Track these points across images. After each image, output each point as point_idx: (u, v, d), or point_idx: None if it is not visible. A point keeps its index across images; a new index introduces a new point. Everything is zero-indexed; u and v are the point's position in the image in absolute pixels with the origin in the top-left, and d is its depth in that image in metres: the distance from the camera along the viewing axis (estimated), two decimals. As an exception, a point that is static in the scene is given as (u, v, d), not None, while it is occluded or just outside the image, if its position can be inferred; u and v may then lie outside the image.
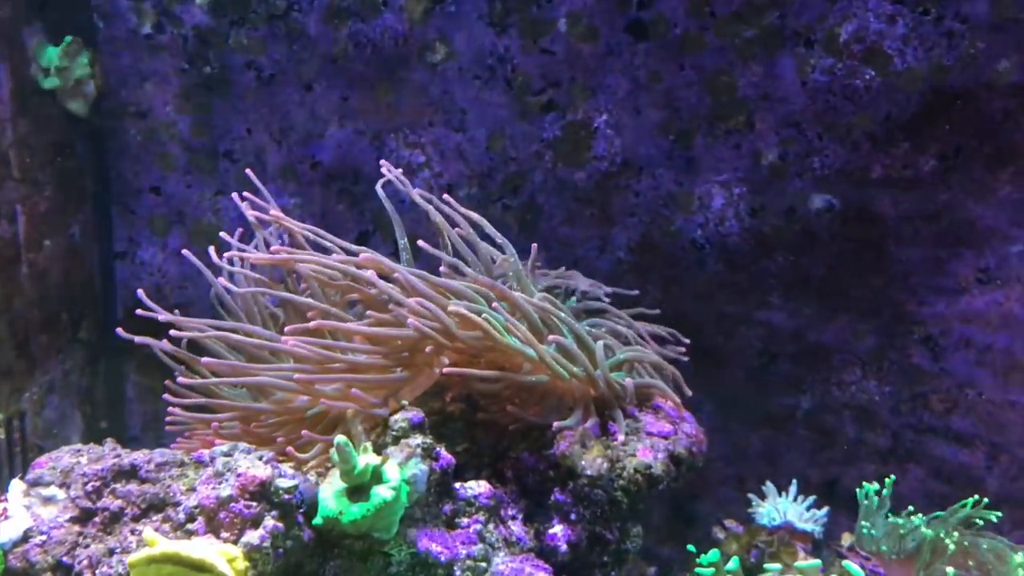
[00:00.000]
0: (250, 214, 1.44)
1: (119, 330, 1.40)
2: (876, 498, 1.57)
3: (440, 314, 1.24)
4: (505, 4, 1.90)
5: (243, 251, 1.44)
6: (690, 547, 1.44)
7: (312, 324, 1.27)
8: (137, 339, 1.38)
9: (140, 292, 1.43)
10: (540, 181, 1.95)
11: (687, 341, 1.62)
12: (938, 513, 1.55)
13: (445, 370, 1.24)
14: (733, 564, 1.39)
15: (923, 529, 1.42)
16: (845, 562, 1.19)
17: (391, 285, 1.29)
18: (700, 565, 1.36)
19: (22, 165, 1.79)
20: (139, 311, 1.41)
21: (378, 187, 1.51)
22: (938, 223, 1.82)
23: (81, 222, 1.97)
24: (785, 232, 1.88)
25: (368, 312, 1.33)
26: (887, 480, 1.60)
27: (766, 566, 1.30)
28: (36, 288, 1.83)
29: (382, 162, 1.52)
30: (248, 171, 1.52)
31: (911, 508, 1.59)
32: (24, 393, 1.80)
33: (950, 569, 1.27)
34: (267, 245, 1.49)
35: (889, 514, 1.60)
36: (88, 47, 1.91)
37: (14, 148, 1.77)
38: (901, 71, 1.78)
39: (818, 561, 1.28)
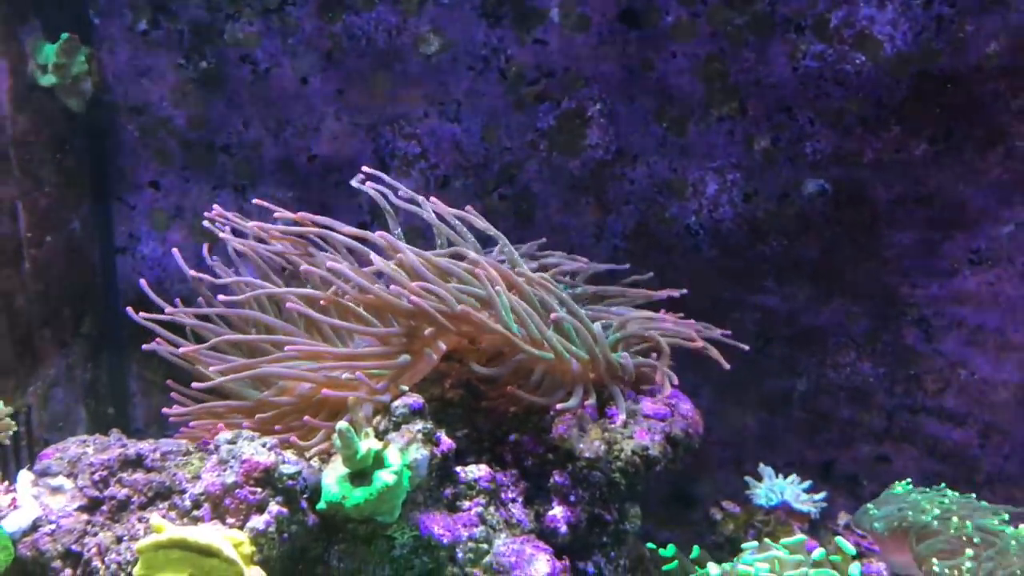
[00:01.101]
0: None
1: (129, 309, 1.42)
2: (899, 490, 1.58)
3: (445, 295, 1.26)
4: (498, -5, 1.91)
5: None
6: (649, 544, 1.47)
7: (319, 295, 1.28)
8: (144, 347, 1.40)
9: (143, 282, 1.45)
10: (535, 170, 1.97)
11: (684, 291, 1.63)
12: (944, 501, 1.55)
13: (460, 308, 1.24)
14: (694, 552, 1.42)
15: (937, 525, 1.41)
16: (837, 538, 1.21)
17: (396, 268, 1.31)
18: (664, 559, 1.38)
19: (22, 162, 1.81)
20: (142, 314, 1.42)
21: (358, 185, 1.53)
22: (930, 206, 1.84)
23: (81, 217, 1.99)
24: (779, 217, 1.90)
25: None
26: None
27: (743, 545, 1.33)
28: (38, 284, 1.85)
29: (364, 170, 1.54)
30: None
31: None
32: (29, 388, 1.82)
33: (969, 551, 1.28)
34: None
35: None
36: (85, 44, 1.92)
37: (13, 145, 1.79)
38: (891, 55, 1.80)
39: (803, 537, 1.31)
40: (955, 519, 1.36)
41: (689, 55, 1.88)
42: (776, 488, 1.73)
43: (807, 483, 1.75)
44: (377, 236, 1.37)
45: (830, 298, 1.91)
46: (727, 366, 1.51)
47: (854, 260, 1.89)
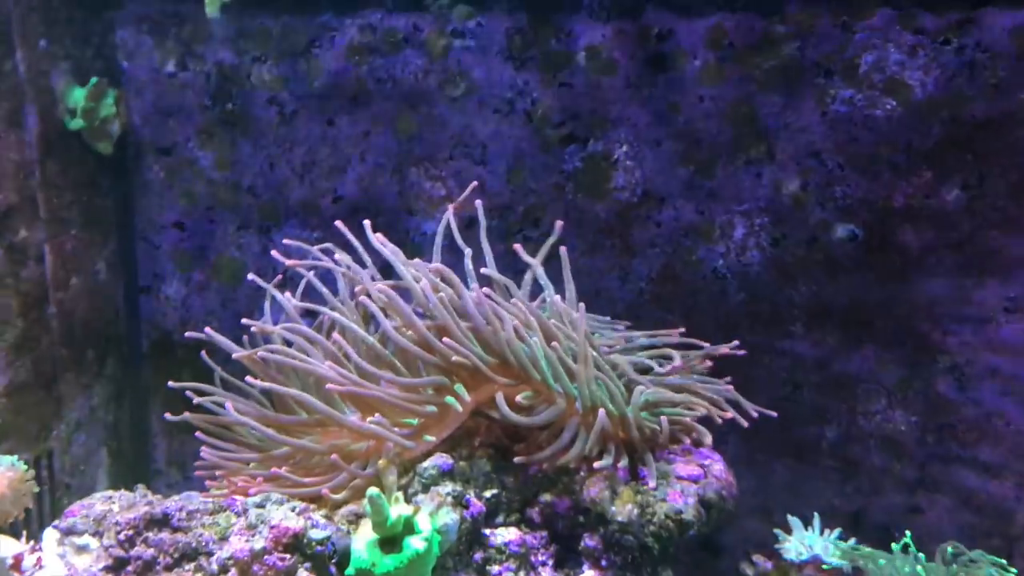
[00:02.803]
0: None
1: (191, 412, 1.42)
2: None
3: (473, 353, 1.24)
4: (524, 38, 1.90)
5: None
6: None
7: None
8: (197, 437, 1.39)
9: (208, 330, 1.42)
10: (561, 213, 1.96)
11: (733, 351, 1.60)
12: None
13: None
14: None
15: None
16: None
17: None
18: None
19: (49, 206, 1.81)
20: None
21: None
22: (962, 252, 1.81)
23: (106, 259, 1.99)
24: (808, 262, 1.87)
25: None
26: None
27: None
28: (63, 327, 1.85)
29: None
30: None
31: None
32: (52, 432, 1.81)
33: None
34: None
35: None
36: (113, 86, 1.93)
37: (42, 189, 1.79)
38: (922, 100, 1.78)
39: None
40: None
41: (717, 99, 1.86)
42: (806, 541, 1.70)
43: (836, 532, 1.71)
44: (422, 285, 1.36)
45: (860, 344, 1.88)
46: (748, 421, 1.50)
47: (885, 306, 1.86)
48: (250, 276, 1.53)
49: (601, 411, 1.23)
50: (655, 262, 1.94)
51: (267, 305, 1.54)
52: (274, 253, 1.54)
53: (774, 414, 1.55)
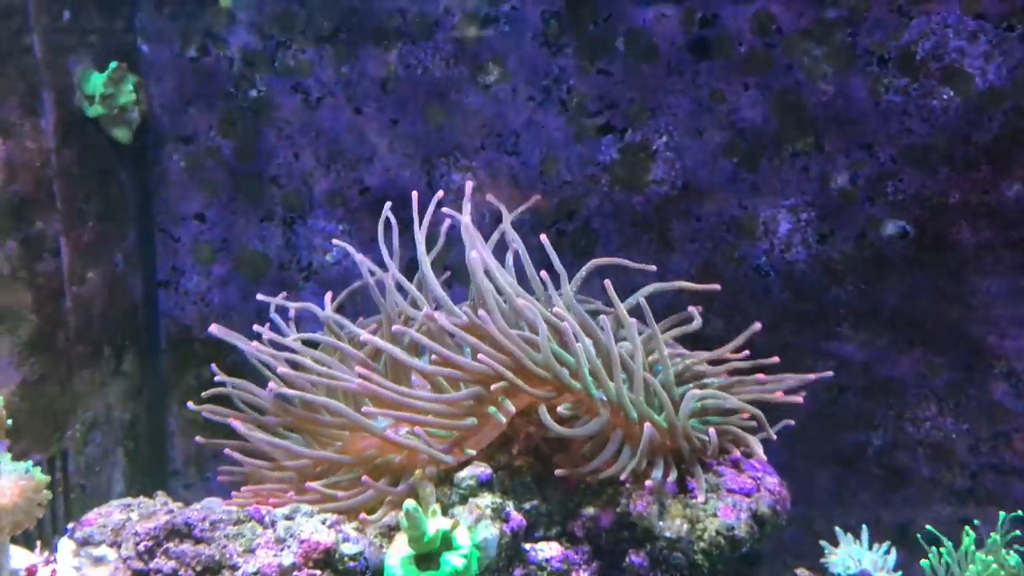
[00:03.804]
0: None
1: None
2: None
3: (518, 354, 1.16)
4: (561, 23, 1.83)
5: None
6: None
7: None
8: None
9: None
10: (596, 206, 1.88)
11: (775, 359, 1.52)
12: None
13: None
14: None
15: None
16: None
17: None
18: None
19: (66, 196, 1.75)
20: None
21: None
22: (1023, 251, 1.72)
23: (124, 251, 1.93)
24: (856, 259, 1.80)
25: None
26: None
27: None
28: (79, 322, 1.78)
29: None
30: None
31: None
32: (67, 432, 1.75)
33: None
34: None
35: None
36: (133, 72, 1.86)
37: (58, 179, 1.73)
38: (983, 90, 1.70)
39: None
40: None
41: (763, 87, 1.79)
42: (854, 555, 1.62)
43: (885, 545, 1.63)
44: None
45: (910, 347, 1.81)
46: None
47: (937, 307, 1.79)
48: (259, 296, 1.49)
49: (647, 425, 1.15)
50: (695, 258, 1.87)
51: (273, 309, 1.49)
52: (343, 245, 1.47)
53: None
